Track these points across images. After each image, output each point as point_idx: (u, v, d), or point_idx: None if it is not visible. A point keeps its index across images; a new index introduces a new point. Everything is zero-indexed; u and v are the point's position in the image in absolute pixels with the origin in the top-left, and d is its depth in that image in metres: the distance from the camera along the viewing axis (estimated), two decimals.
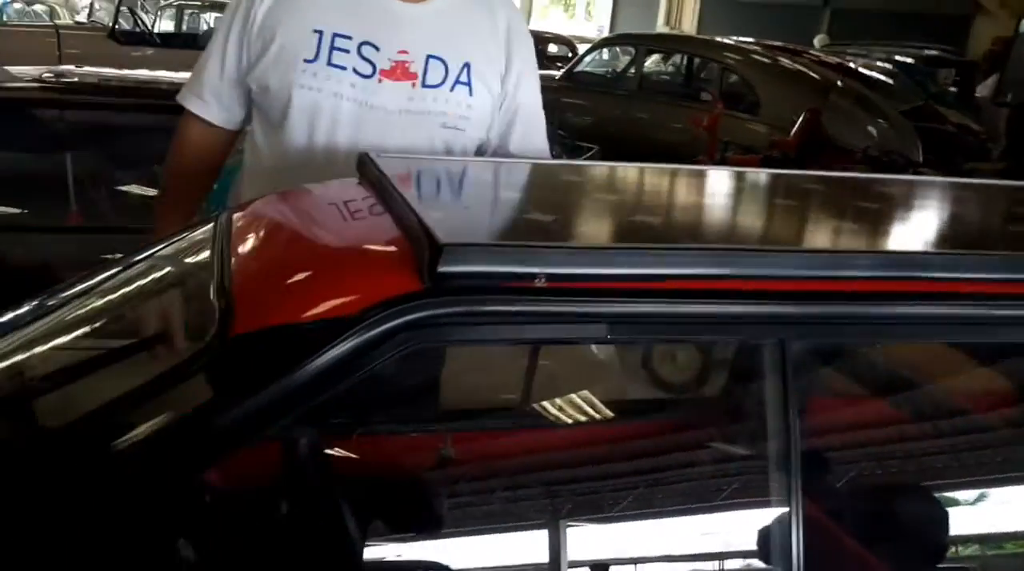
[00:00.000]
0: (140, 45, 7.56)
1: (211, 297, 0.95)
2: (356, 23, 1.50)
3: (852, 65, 6.64)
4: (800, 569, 1.04)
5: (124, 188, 3.79)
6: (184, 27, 9.56)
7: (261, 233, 1.13)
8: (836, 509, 1.29)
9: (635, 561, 1.38)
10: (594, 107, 7.09)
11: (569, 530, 1.36)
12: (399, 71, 1.51)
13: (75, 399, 0.95)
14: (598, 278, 0.90)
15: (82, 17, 10.50)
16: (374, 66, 1.49)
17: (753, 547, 1.27)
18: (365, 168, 1.28)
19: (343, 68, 1.49)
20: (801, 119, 5.27)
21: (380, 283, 0.88)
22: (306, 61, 1.48)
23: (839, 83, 5.94)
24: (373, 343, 0.85)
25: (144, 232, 1.64)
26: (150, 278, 1.21)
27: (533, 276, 0.88)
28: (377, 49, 1.50)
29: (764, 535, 1.17)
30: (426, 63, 1.53)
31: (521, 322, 0.90)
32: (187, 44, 8.24)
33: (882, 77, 6.54)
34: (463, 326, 0.89)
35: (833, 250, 1.07)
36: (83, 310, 1.16)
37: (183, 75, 2.28)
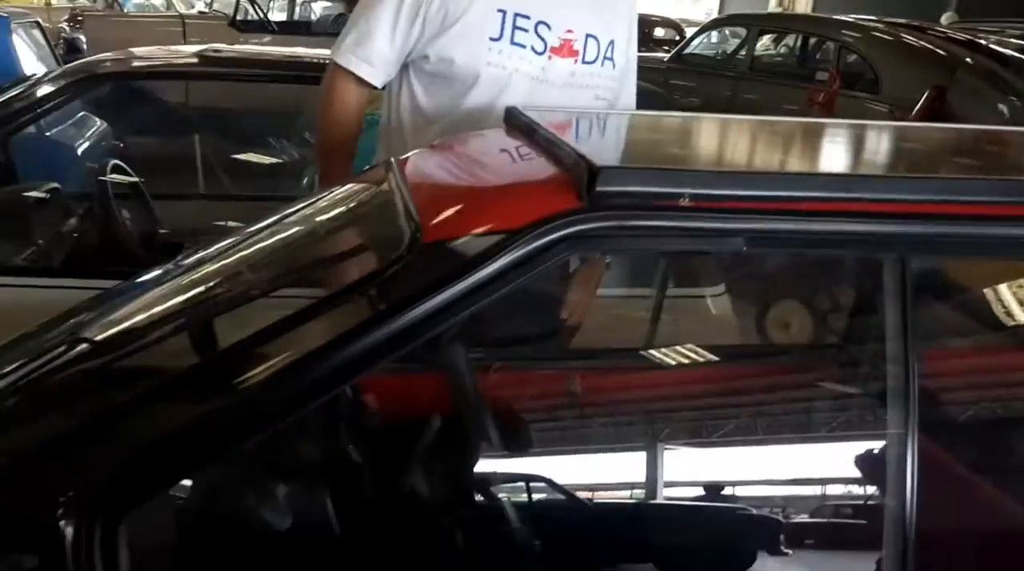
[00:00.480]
0: (258, 32, 8.06)
1: (399, 220, 1.15)
2: (532, 3, 1.72)
3: (982, 42, 6.49)
4: (913, 497, 1.16)
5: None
6: (297, 15, 10.24)
7: (439, 170, 1.33)
8: (951, 436, 1.40)
9: (755, 485, 1.53)
10: (703, 89, 7.16)
11: (697, 451, 1.52)
12: (566, 49, 1.74)
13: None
14: (737, 198, 1.05)
15: (201, 7, 11.18)
16: (546, 44, 1.72)
17: (867, 474, 1.39)
18: (513, 119, 1.46)
19: (523, 46, 1.71)
20: (925, 97, 5.21)
21: (547, 202, 1.05)
22: (492, 39, 1.70)
23: (967, 60, 5.82)
24: (542, 249, 1.02)
25: None
26: (337, 213, 1.43)
27: (679, 196, 1.03)
28: (549, 28, 1.72)
29: (878, 461, 1.29)
30: (585, 41, 1.76)
31: (667, 236, 1.06)
32: (301, 31, 8.83)
33: (1015, 54, 6.38)
34: (615, 238, 1.06)
35: (946, 177, 1.20)
36: (280, 238, 1.39)
37: (321, 52, 2.55)
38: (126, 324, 1.23)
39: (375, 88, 1.81)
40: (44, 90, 2.70)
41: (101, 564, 0.95)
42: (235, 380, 1.00)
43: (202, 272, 1.36)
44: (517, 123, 1.43)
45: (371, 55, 1.76)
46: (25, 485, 1.01)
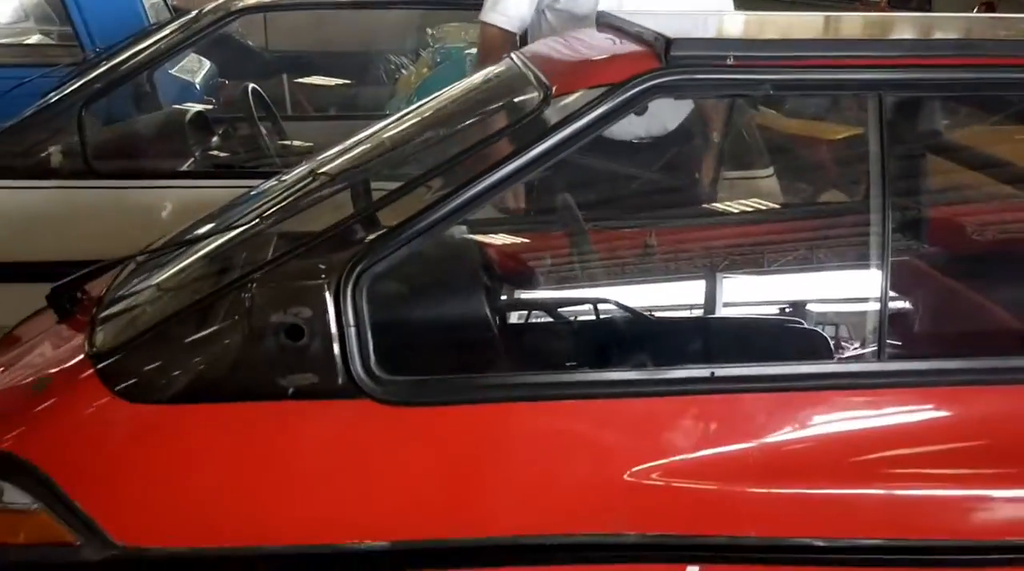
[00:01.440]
0: None
1: (532, 86, 1.73)
2: None
3: None
4: (887, 288, 1.71)
5: None
6: None
7: (556, 53, 1.92)
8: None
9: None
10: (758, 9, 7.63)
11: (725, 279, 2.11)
12: None
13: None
14: (764, 58, 1.62)
15: None
16: None
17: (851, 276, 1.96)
18: (604, 20, 2.04)
19: None
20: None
21: (638, 63, 1.63)
22: None
23: None
24: (636, 95, 1.60)
25: None
26: (483, 88, 2.04)
27: (725, 57, 1.60)
28: None
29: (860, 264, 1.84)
30: None
31: (719, 85, 1.63)
32: None
33: None
34: (684, 87, 1.64)
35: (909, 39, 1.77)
36: (439, 110, 2.00)
37: None
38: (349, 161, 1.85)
39: (513, 33, 2.45)
40: (183, 32, 3.30)
41: (351, 303, 1.55)
42: (440, 191, 1.60)
43: (381, 139, 1.96)
44: (608, 23, 2.01)
45: (507, 8, 2.48)
46: (297, 267, 1.62)
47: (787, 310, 2.11)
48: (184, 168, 3.04)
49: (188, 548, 1.66)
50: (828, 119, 3.25)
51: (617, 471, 1.66)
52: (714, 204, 2.44)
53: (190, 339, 1.67)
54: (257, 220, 1.86)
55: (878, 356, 1.68)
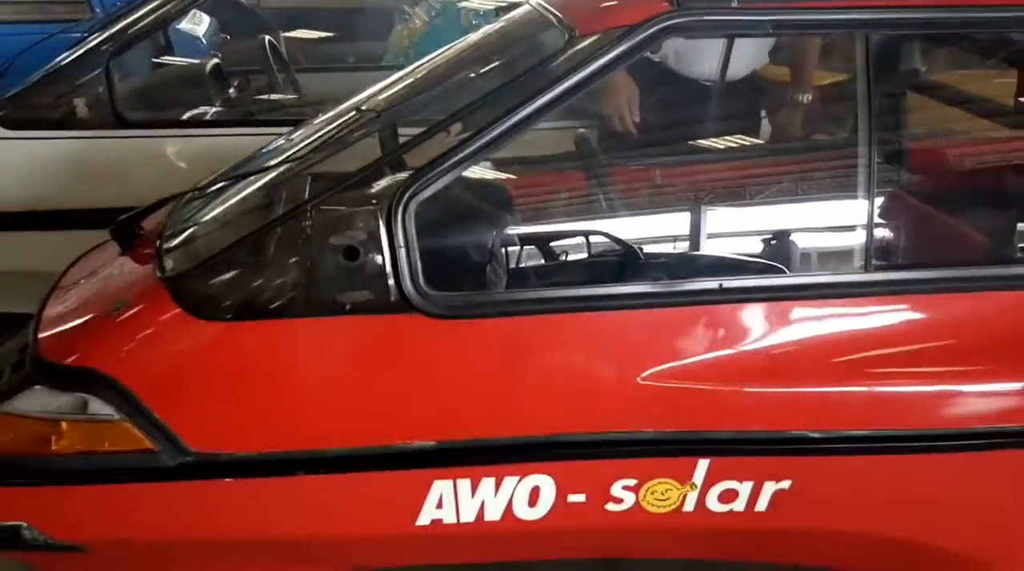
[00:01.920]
0: None
1: (556, 28, 1.91)
2: None
3: None
4: (872, 211, 1.92)
5: None
6: None
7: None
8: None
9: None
10: None
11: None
12: None
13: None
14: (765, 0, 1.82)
15: None
16: None
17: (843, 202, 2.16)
18: None
19: None
20: None
21: (653, 6, 1.82)
22: None
23: None
24: (652, 36, 1.79)
25: None
26: (507, 33, 2.23)
27: (730, 0, 1.80)
28: None
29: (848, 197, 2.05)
30: None
31: (724, 26, 1.83)
32: None
33: None
34: (694, 29, 1.83)
35: None
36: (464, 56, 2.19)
37: None
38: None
39: None
40: None
41: (401, 226, 1.75)
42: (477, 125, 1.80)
43: (414, 82, 2.15)
44: None
45: None
46: (351, 196, 1.82)
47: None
48: (209, 117, 3.21)
49: (255, 453, 1.87)
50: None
51: (633, 374, 1.88)
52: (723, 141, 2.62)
53: (255, 262, 1.87)
54: (303, 158, 2.05)
55: (865, 268, 1.90)
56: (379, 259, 1.78)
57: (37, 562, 2.11)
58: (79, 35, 3.32)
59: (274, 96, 3.36)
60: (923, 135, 2.67)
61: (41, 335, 1.99)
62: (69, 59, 3.16)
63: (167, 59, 3.76)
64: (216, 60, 3.41)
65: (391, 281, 1.79)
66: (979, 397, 1.94)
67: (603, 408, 1.89)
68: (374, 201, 1.79)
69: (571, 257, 2.06)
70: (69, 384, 1.86)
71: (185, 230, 2.11)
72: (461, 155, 1.77)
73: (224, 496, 1.91)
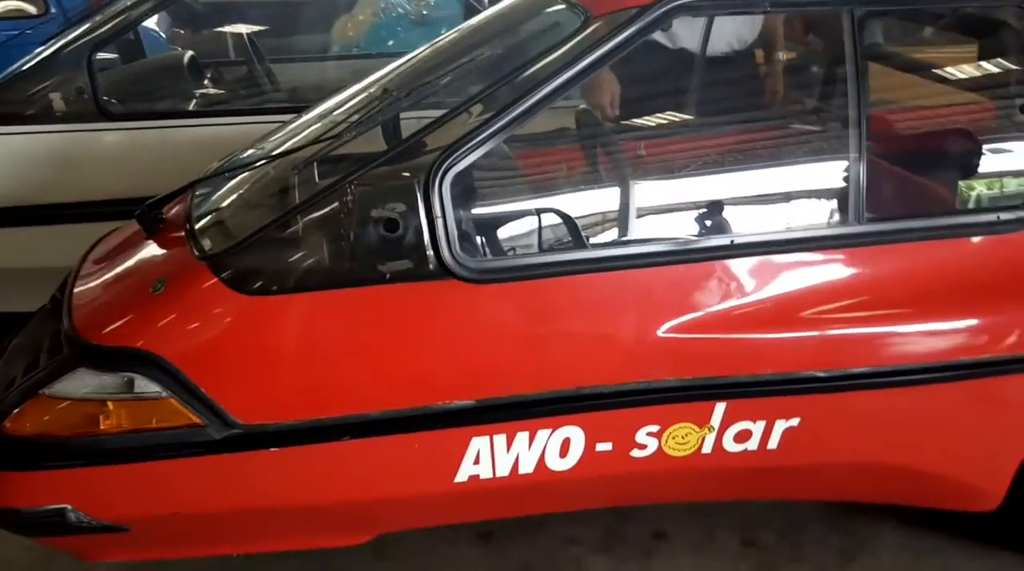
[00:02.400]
0: None
1: (572, 10, 2.04)
2: None
3: None
4: (863, 190, 2.09)
5: None
6: None
7: None
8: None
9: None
10: None
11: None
12: None
13: None
14: None
15: None
16: None
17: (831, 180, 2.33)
18: None
19: None
20: None
21: None
22: None
23: None
24: (663, 15, 1.92)
25: None
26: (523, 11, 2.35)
27: None
28: None
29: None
30: None
31: (726, 4, 1.97)
32: None
33: None
34: (700, 9, 1.97)
35: None
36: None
37: None
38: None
39: None
40: None
41: (438, 197, 1.85)
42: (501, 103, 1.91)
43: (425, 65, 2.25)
44: None
45: None
46: (388, 170, 1.92)
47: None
48: (191, 108, 3.24)
49: (300, 421, 1.95)
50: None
51: (654, 328, 2.01)
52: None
53: (297, 237, 1.95)
54: (333, 138, 2.13)
55: (858, 220, 2.07)
56: (418, 230, 1.88)
57: (75, 547, 2.15)
58: (57, 29, 3.32)
59: (253, 88, 3.40)
60: (885, 101, 2.86)
61: (77, 318, 2.03)
62: (47, 54, 3.15)
63: None
64: (191, 52, 3.44)
65: (430, 250, 1.89)
66: (959, 333, 2.12)
67: (627, 360, 2.02)
68: (410, 175, 1.88)
69: (588, 222, 2.18)
70: (113, 364, 1.92)
71: (217, 211, 2.17)
72: (490, 130, 1.89)
73: (270, 466, 1.99)
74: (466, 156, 1.89)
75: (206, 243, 2.04)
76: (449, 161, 1.87)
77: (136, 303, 1.99)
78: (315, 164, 2.16)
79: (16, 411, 1.94)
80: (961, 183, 2.34)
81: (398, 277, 1.91)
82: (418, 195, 1.87)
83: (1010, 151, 2.60)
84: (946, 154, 2.67)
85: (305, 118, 2.43)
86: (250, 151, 2.38)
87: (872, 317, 2.09)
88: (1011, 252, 2.13)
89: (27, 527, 2.03)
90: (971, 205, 2.34)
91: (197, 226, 2.11)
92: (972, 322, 2.13)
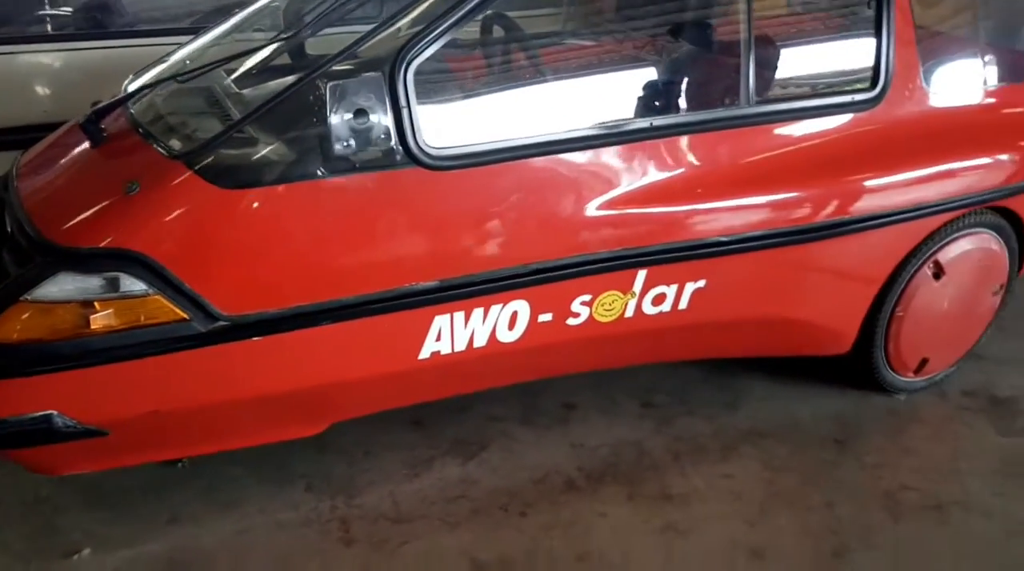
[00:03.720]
0: None
1: None
2: None
3: None
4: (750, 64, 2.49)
5: None
6: None
7: None
8: None
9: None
10: None
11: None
12: None
13: None
14: None
15: None
16: None
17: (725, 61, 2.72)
18: None
19: None
20: None
21: None
22: None
23: None
24: None
25: None
26: None
27: None
28: None
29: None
30: None
31: None
32: None
33: None
34: None
35: None
36: None
37: None
38: None
39: None
40: None
41: (403, 88, 2.06)
42: None
43: None
44: None
45: None
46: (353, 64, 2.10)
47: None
48: (51, 31, 3.15)
49: (280, 310, 2.12)
50: None
51: (584, 205, 2.33)
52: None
53: (270, 131, 2.09)
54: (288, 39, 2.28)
55: (749, 102, 2.48)
56: (384, 120, 2.08)
57: (44, 460, 2.19)
58: None
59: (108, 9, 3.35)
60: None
61: (42, 224, 2.07)
62: None
63: None
64: None
65: (396, 140, 2.10)
66: (827, 198, 2.58)
67: (564, 235, 2.33)
68: (376, 67, 2.07)
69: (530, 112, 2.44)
70: (97, 266, 2.00)
71: (171, 116, 2.25)
72: (449, 22, 2.11)
73: (251, 355, 2.14)
74: (428, 47, 2.10)
75: (174, 144, 2.13)
76: (412, 52, 2.08)
77: (110, 205, 2.05)
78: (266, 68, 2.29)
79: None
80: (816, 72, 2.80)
81: (367, 166, 2.10)
82: (384, 87, 2.07)
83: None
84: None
85: (224, 29, 2.53)
86: (174, 62, 2.45)
87: (761, 187, 2.51)
88: (856, 127, 2.61)
89: (9, 438, 2.06)
90: (831, 90, 2.77)
91: (156, 129, 2.19)
92: (835, 189, 2.58)
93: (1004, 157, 2.79)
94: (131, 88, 2.51)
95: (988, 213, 2.84)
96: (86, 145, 2.25)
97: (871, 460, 2.73)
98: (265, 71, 2.52)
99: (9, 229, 2.23)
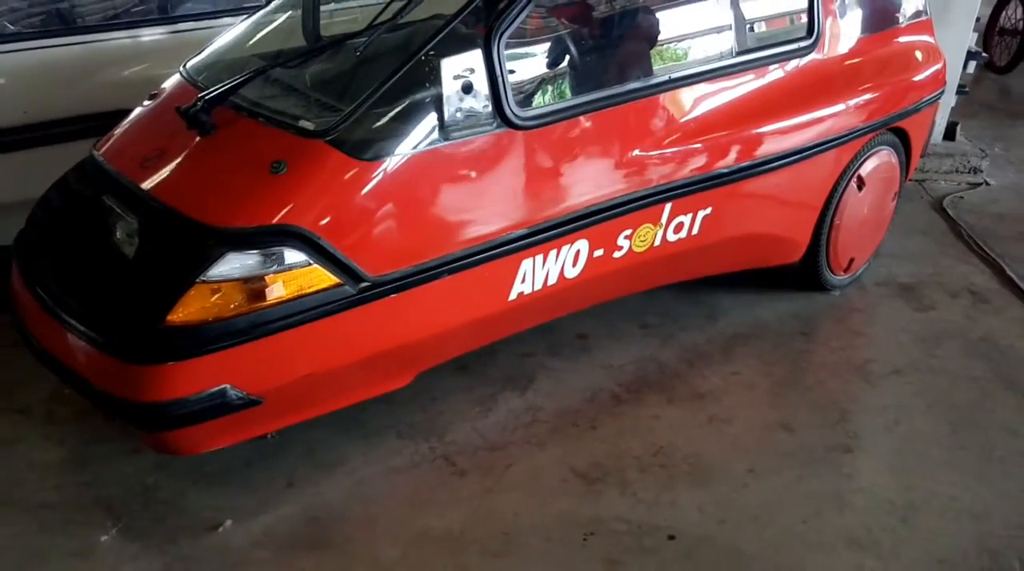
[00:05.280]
0: None
1: None
2: None
3: None
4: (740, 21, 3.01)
5: None
6: None
7: None
8: None
9: None
10: None
11: None
12: None
13: None
14: None
15: None
16: None
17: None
18: None
19: None
20: None
21: None
22: None
23: None
24: None
25: None
26: None
27: None
28: None
29: None
30: None
31: None
32: None
33: None
34: None
35: None
36: None
37: None
38: None
39: None
40: None
41: (497, 59, 2.40)
42: None
43: None
44: None
45: None
46: (450, 41, 2.40)
47: None
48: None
49: (410, 267, 2.40)
50: None
51: (629, 150, 2.76)
52: None
53: (394, 105, 2.35)
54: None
55: (732, 55, 3.00)
56: (484, 89, 2.41)
57: (189, 437, 2.35)
58: None
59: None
60: None
61: (189, 210, 2.23)
62: None
63: None
64: None
65: (491, 105, 2.43)
66: (793, 130, 3.16)
67: (616, 179, 2.76)
68: (474, 42, 2.39)
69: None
70: (262, 243, 2.20)
71: (282, 97, 2.45)
72: None
73: (387, 311, 2.41)
74: (515, 20, 2.44)
75: (305, 124, 2.33)
76: (503, 26, 2.42)
77: (262, 186, 2.24)
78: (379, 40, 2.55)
79: (179, 303, 2.12)
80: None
81: (472, 131, 2.42)
82: (482, 59, 2.39)
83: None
84: None
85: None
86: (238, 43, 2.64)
87: (746, 125, 3.04)
88: (799, 71, 3.21)
89: (187, 417, 2.21)
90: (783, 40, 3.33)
91: (273, 114, 2.40)
92: (801, 123, 3.17)
93: (901, 85, 3.50)
94: (197, 76, 2.69)
95: (888, 133, 3.55)
96: (193, 135, 2.40)
97: (835, 344, 3.38)
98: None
99: (109, 224, 2.39)
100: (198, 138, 2.39)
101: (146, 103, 2.75)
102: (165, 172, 2.38)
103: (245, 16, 3.12)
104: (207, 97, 2.36)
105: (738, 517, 2.56)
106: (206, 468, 2.69)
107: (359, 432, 2.84)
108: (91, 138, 2.87)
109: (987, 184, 4.87)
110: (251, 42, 2.91)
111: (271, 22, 3.04)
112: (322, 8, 3.08)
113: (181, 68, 2.81)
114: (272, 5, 3.07)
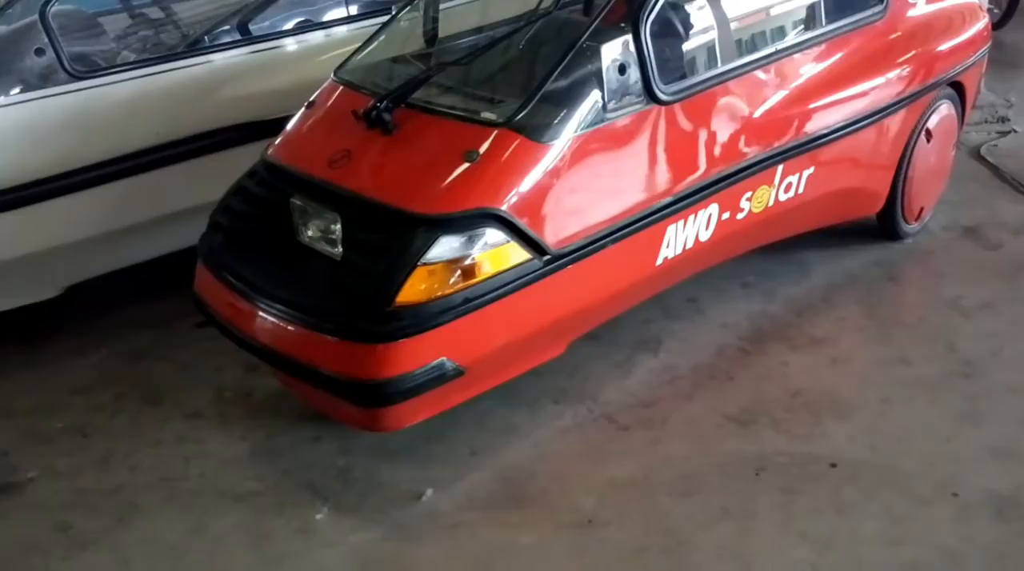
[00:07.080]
0: None
1: None
2: None
3: None
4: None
5: None
6: None
7: None
8: None
9: None
10: None
11: None
12: None
13: None
14: None
15: None
16: None
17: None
18: None
19: None
20: None
21: None
22: None
23: None
24: None
25: None
26: None
27: None
28: None
29: None
30: None
31: None
32: None
33: None
34: None
35: None
36: None
37: None
38: None
39: None
40: None
41: (646, 44, 2.70)
42: None
43: None
44: None
45: None
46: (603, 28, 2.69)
47: None
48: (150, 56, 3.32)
49: (583, 239, 2.68)
50: None
51: (751, 113, 3.07)
52: None
53: (563, 90, 2.63)
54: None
55: (806, 30, 3.32)
56: (635, 70, 2.70)
57: (397, 413, 2.60)
58: None
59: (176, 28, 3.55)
60: None
61: (396, 201, 2.50)
62: None
63: None
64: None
65: (642, 85, 2.72)
66: (873, 91, 3.49)
67: (741, 145, 3.06)
68: (624, 28, 2.68)
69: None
70: (468, 226, 2.48)
71: (458, 92, 2.72)
72: None
73: (565, 281, 2.69)
74: (658, 4, 2.74)
75: (487, 115, 2.61)
76: (648, 11, 2.71)
77: (460, 174, 2.52)
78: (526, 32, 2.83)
79: (405, 285, 2.38)
80: None
81: (627, 110, 2.71)
82: (631, 43, 2.68)
83: None
84: None
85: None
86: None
87: (839, 89, 3.36)
88: (871, 36, 3.54)
89: (410, 391, 2.46)
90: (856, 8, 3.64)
91: (451, 108, 2.68)
92: (881, 80, 3.50)
93: (957, 42, 3.85)
94: (356, 79, 2.99)
95: (948, 87, 3.90)
96: (375, 134, 2.67)
97: (923, 285, 3.73)
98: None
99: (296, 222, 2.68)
100: (382, 136, 2.65)
101: (305, 110, 3.00)
102: (358, 169, 2.63)
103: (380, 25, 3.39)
104: (390, 98, 2.62)
105: (886, 442, 2.88)
106: (389, 446, 2.94)
107: (519, 401, 3.11)
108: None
109: (1015, 131, 5.26)
110: (391, 46, 3.17)
111: (402, 27, 3.31)
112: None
113: (332, 74, 3.06)
114: (401, 12, 3.33)
